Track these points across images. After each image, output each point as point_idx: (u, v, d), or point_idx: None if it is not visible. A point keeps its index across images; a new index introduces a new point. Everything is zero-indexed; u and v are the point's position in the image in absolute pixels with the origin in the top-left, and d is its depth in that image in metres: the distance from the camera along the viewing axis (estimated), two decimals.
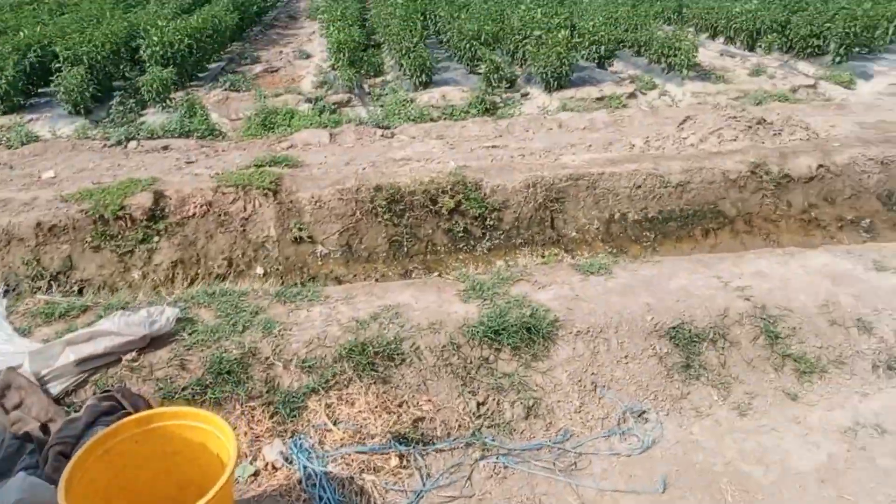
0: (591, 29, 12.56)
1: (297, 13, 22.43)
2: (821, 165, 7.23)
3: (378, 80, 13.36)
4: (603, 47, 12.44)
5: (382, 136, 9.20)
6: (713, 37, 15.77)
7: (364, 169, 7.80)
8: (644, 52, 13.44)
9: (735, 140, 7.80)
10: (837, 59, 13.10)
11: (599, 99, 11.39)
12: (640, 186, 6.98)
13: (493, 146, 8.77)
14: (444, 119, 10.52)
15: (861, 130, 8.84)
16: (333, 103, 10.97)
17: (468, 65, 12.45)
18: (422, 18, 14.25)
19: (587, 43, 12.65)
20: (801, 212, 7.08)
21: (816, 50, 13.72)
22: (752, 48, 14.39)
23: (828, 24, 13.27)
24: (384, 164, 7.94)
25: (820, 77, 12.71)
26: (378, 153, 8.45)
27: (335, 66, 11.78)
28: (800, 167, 7.23)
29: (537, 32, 12.05)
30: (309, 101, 10.86)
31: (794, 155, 7.35)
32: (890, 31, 13.94)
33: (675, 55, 12.07)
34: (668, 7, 17.20)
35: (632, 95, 11.55)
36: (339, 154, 8.39)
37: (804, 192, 7.15)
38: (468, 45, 12.13)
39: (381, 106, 11.31)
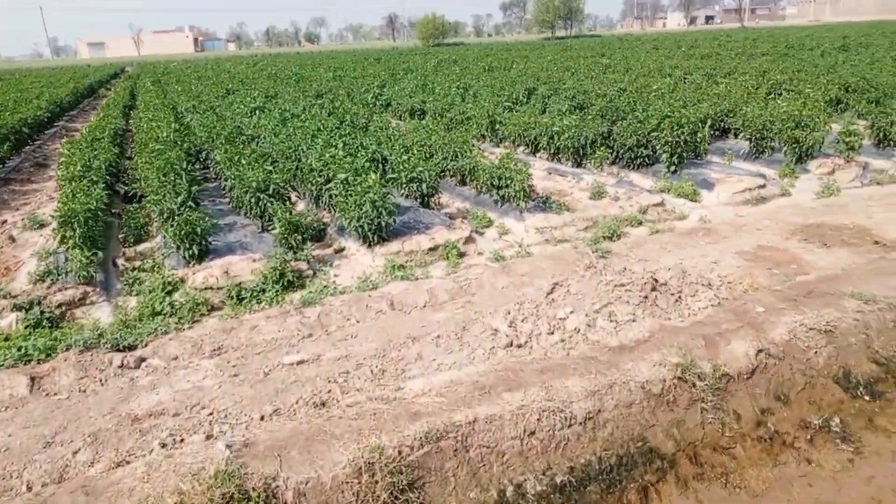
0: (406, 164, 10.38)
1: (47, 158, 18.39)
2: (760, 350, 5.18)
3: (143, 247, 10.08)
4: (424, 185, 10.27)
5: (122, 366, 5.95)
6: (533, 152, 14.46)
7: (74, 455, 4.54)
8: (470, 181, 11.53)
9: (634, 320, 5.63)
10: (672, 168, 12.10)
11: (432, 249, 9.06)
12: (533, 433, 4.44)
13: (300, 361, 5.91)
14: (229, 308, 7.51)
15: (751, 265, 7.20)
16: (59, 305, 7.52)
17: (258, 220, 9.64)
18: (191, 165, 11.24)
19: (404, 180, 10.44)
20: (756, 425, 4.91)
21: (646, 160, 12.74)
22: (579, 164, 13.11)
23: (654, 133, 12.33)
24: (114, 435, 4.74)
25: (661, 190, 11.53)
26: (108, 409, 5.21)
27: (65, 246, 8.38)
28: (736, 357, 5.13)
29: (342, 175, 9.60)
30: (20, 307, 7.32)
31: (721, 338, 5.27)
32: (706, 134, 13.34)
33: (508, 185, 10.19)
34: (481, 125, 15.83)
35: (469, 240, 9.36)
36: (36, 423, 5.03)
37: (750, 393, 5.03)
38: (254, 199, 9.35)
39: (138, 294, 8.06)
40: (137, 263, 9.27)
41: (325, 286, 7.85)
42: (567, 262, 7.81)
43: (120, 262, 9.45)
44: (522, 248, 8.79)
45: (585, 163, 13.09)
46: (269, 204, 9.24)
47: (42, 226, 11.01)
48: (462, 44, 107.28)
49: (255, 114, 17.27)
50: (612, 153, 12.98)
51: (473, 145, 12.35)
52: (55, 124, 25.63)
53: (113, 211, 12.37)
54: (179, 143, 11.87)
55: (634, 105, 15.77)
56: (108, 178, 12.37)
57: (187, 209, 8.92)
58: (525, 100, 18.51)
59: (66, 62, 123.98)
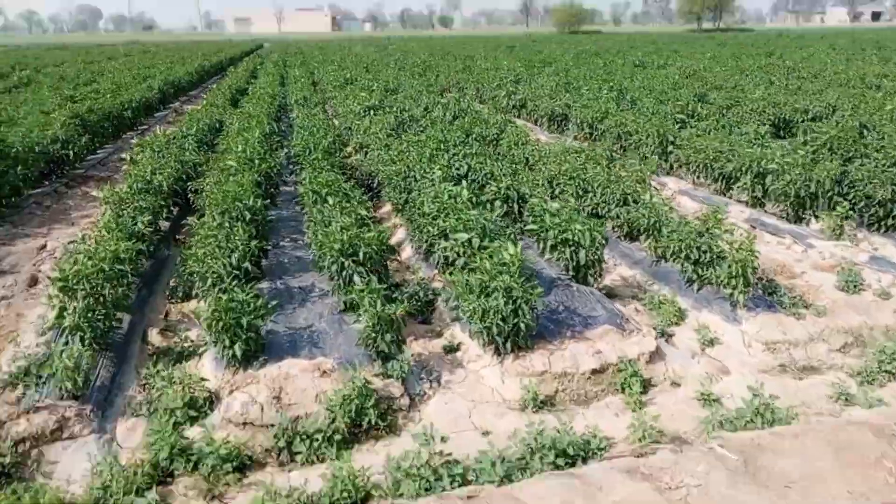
0: (555, 219, 7.05)
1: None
2: None
3: (193, 304, 7.43)
4: (583, 252, 6.91)
5: None
6: (724, 191, 10.66)
7: None
8: (645, 238, 8.05)
9: None
10: None
11: (597, 372, 5.75)
12: None
13: None
14: (268, 477, 4.56)
15: None
16: (17, 442, 4.85)
17: (340, 293, 6.64)
18: (262, 200, 8.24)
19: (551, 240, 7.13)
20: None
21: None
22: (799, 218, 9.22)
23: None
24: None
25: None
26: None
27: (60, 325, 5.77)
28: None
29: (462, 236, 6.45)
30: None
31: None
32: None
33: (716, 264, 6.65)
34: (646, 144, 12.16)
35: (655, 355, 5.97)
36: None
37: None
38: (336, 266, 6.36)
39: (149, 415, 5.31)
40: (175, 341, 6.60)
41: (420, 447, 4.70)
42: (865, 462, 4.24)
43: (152, 334, 6.81)
44: (759, 398, 5.19)
45: (807, 216, 9.19)
46: (354, 273, 6.24)
47: None
48: (599, 32, 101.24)
49: (368, 114, 14.48)
50: (842, 201, 9.03)
51: (648, 184, 8.86)
52: (169, 105, 24.25)
53: (178, 237, 9.97)
54: (259, 160, 9.09)
55: (862, 132, 11.56)
56: (179, 194, 9.93)
57: (238, 278, 6.09)
58: (702, 111, 14.55)
59: (214, 36, 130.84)
